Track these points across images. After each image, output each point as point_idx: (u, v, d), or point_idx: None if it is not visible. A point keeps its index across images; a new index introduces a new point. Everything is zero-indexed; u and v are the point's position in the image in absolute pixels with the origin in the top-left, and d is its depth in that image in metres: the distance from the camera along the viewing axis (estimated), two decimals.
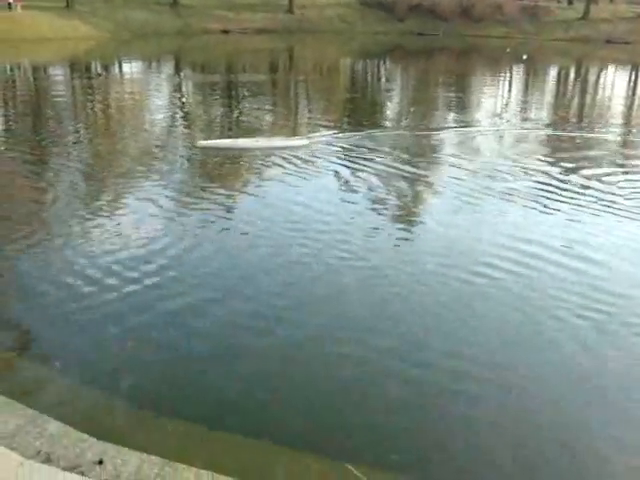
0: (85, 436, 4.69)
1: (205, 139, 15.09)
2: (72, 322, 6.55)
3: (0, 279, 7.69)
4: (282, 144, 14.60)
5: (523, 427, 5.21)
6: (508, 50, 45.84)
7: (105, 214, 9.88)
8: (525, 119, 20.05)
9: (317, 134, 16.43)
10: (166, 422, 4.97)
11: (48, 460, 4.39)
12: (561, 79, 34.49)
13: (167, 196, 10.84)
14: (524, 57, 41.12)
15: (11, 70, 31.83)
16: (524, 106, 23.59)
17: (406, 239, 9.32)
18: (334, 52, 46.81)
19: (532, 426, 5.21)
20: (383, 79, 33.15)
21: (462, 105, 22.97)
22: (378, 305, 7.10)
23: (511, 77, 33.91)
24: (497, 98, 25.57)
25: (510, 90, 28.46)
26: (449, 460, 4.83)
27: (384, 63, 40.41)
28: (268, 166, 12.94)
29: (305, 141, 14.97)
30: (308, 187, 11.72)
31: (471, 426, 5.19)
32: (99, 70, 29.32)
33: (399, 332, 6.51)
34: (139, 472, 4.25)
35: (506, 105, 23.70)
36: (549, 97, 26.91)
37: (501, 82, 31.40)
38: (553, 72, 37.39)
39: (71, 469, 4.25)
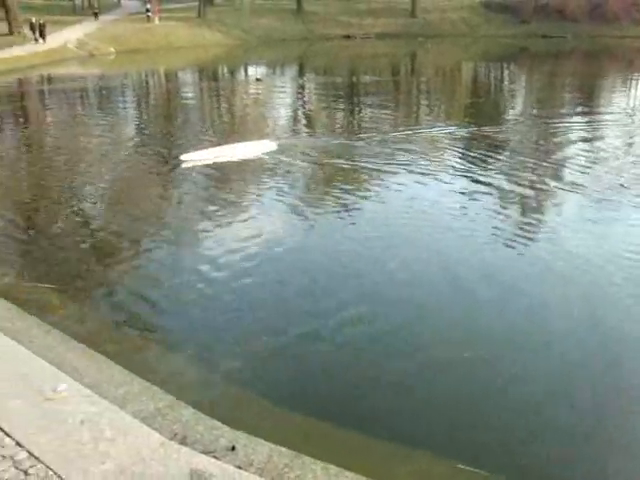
0: (218, 423, 4.91)
1: (190, 151, 13.80)
2: (206, 313, 6.94)
3: (140, 268, 8.27)
4: (251, 150, 14.07)
5: None
6: None
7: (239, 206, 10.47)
8: None
9: (437, 127, 16.97)
10: (295, 416, 5.12)
11: (184, 443, 4.63)
12: None
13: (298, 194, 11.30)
14: None
15: (146, 76, 34.14)
16: None
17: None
18: (456, 55, 46.12)
19: None
20: (506, 82, 32.30)
21: (587, 105, 22.00)
22: None
23: None
24: (628, 99, 24.22)
25: None
26: None
27: (507, 66, 39.28)
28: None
29: (273, 144, 14.38)
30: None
31: None
32: (257, 76, 31.19)
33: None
34: (270, 461, 4.41)
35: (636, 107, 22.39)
36: None
37: (634, 84, 29.66)
38: None
39: (206, 453, 4.47)
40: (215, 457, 4.41)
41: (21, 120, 20.71)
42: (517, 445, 4.91)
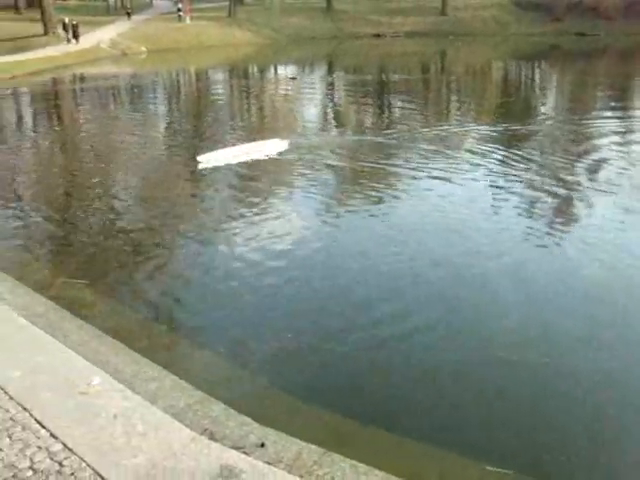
0: (248, 419, 4.93)
1: (205, 152, 13.61)
2: (238, 310, 7.00)
3: (172, 265, 8.37)
4: (276, 147, 14.03)
5: None
6: None
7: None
8: None
9: (467, 126, 17.01)
10: (325, 414, 5.12)
11: (213, 439, 4.66)
12: None
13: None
14: None
15: (177, 74, 34.53)
16: None
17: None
18: (487, 54, 45.71)
19: None
20: (537, 80, 31.92)
21: (621, 103, 21.69)
22: None
23: None
24: None
25: None
26: None
27: (539, 65, 38.77)
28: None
29: (285, 143, 14.28)
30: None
31: None
32: (290, 75, 31.37)
33: None
34: (299, 458, 4.42)
35: None
36: None
37: None
38: None
39: (236, 449, 4.49)
40: (245, 453, 4.43)
41: (55, 117, 21.10)
42: (556, 448, 4.83)
